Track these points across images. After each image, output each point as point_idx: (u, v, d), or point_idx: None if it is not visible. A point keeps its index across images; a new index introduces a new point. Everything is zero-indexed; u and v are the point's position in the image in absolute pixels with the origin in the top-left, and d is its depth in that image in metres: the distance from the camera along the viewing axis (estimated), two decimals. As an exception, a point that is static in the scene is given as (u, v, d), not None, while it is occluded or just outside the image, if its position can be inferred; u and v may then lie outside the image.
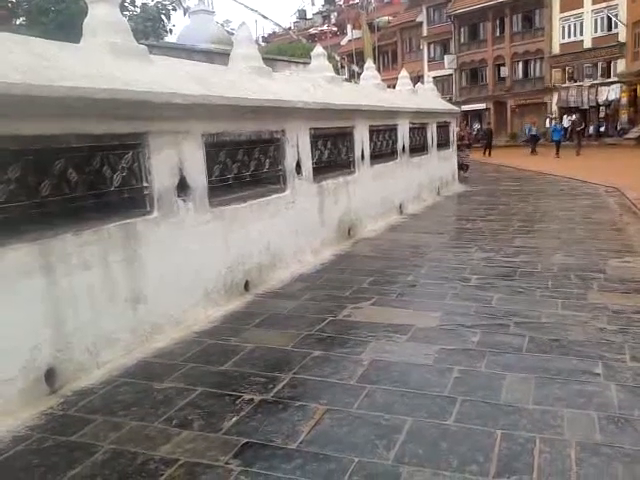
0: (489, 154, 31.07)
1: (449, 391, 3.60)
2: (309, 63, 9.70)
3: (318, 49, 8.76)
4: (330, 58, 9.27)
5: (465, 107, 43.24)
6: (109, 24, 4.76)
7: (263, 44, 51.65)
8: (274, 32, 61.27)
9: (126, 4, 18.10)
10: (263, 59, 7.01)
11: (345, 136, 8.30)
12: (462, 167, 18.18)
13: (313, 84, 7.68)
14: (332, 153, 7.90)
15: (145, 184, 4.57)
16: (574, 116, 39.32)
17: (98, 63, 4.37)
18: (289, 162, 6.62)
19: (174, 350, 4.45)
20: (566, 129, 33.17)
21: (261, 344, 4.48)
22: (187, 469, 2.89)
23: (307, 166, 7.06)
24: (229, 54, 6.81)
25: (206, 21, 15.86)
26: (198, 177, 5.10)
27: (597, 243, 7.81)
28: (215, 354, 4.33)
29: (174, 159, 4.83)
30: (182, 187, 4.90)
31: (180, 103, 4.74)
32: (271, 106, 6.03)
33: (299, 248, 6.85)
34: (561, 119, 40.35)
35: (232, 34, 12.71)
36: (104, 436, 3.22)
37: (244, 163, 5.78)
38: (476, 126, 43.80)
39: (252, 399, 3.58)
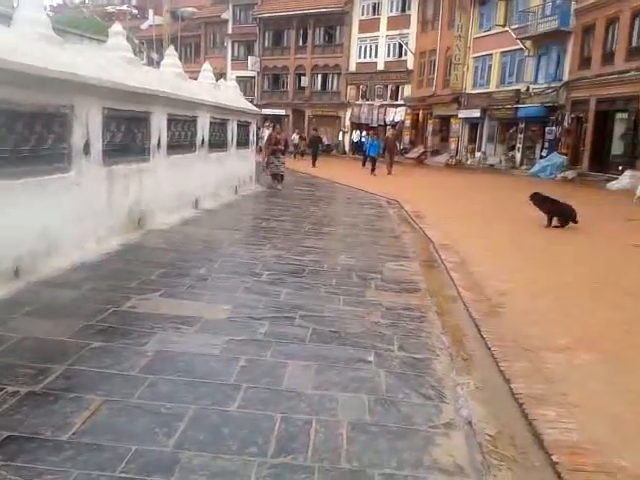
0: (313, 164, 27.46)
1: (234, 379, 3.64)
2: (104, 41, 9.13)
3: (117, 27, 8.26)
4: (128, 40, 8.81)
5: (266, 111, 44.13)
6: None
7: (51, 14, 47.15)
8: (64, 3, 56.13)
9: None
10: (53, 29, 6.42)
11: (141, 121, 7.94)
12: (276, 177, 15.89)
13: (109, 62, 7.23)
14: (126, 137, 7.49)
15: None
16: (364, 132, 42.45)
17: None
18: (76, 141, 6.12)
19: None
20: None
21: (32, 334, 4.07)
22: None
23: (97, 148, 6.60)
24: (10, 17, 6.11)
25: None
26: (-36, 146, 4.48)
27: (377, 248, 8.50)
28: (-26, 344, 3.84)
29: None
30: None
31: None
32: (59, 78, 5.52)
33: (82, 235, 6.36)
34: (351, 134, 43.34)
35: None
36: None
37: (23, 136, 5.20)
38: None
39: (17, 391, 3.23)
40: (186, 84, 10.51)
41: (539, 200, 10.95)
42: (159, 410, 3.18)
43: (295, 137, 36.52)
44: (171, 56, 10.71)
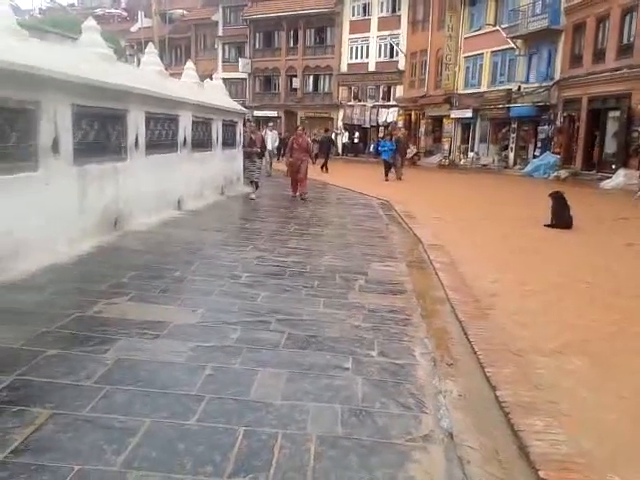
0: (326, 169, 23.98)
1: (198, 389, 3.38)
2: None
3: (90, 22, 7.96)
4: (115, 42, 8.53)
5: (258, 113, 44.04)
6: None
7: (39, 16, 46.73)
8: (52, 6, 55.65)
9: None
10: (32, 29, 6.19)
11: (117, 119, 7.65)
12: (252, 184, 13.41)
13: (81, 58, 6.94)
14: (100, 136, 7.20)
15: None
16: (355, 132, 42.19)
17: None
18: (44, 138, 5.84)
19: None
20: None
21: (-18, 342, 3.81)
22: None
23: (67, 146, 6.32)
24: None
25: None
26: None
27: (363, 248, 8.23)
28: None
29: None
30: None
31: None
32: (21, 71, 5.24)
33: (52, 236, 6.07)
34: (351, 134, 42.95)
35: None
36: None
37: (-19, 133, 4.94)
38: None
39: (-45, 406, 2.96)
40: (167, 82, 10.24)
41: (557, 198, 10.83)
42: (111, 424, 2.92)
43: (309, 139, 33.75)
44: (151, 54, 10.44)
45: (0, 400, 3.06)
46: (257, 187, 13.64)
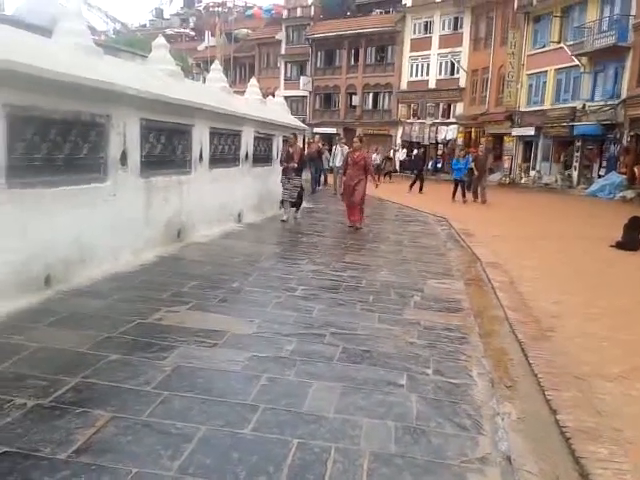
0: (420, 189, 22.45)
1: (253, 399, 3.41)
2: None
3: (160, 40, 8.28)
4: (183, 60, 8.81)
5: (317, 130, 44.41)
6: None
7: (113, 36, 49.22)
8: (125, 28, 58.79)
9: None
10: (106, 48, 6.51)
11: (182, 134, 7.90)
12: (286, 204, 11.68)
13: (149, 74, 7.22)
14: (166, 149, 7.45)
15: None
16: (415, 150, 41.83)
17: None
18: (113, 151, 6.10)
19: (-61, 347, 3.77)
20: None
21: (50, 344, 3.97)
22: None
23: (134, 158, 6.56)
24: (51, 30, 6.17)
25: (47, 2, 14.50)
26: (-5, 153, 4.45)
27: (420, 265, 8.15)
28: (-10, 353, 3.74)
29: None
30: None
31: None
32: (95, 87, 5.49)
33: (117, 246, 6.30)
34: (409, 151, 42.54)
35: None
36: None
37: (57, 144, 5.18)
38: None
39: (24, 404, 3.10)
40: (231, 98, 10.49)
41: (634, 219, 10.53)
42: (168, 430, 2.98)
43: (377, 157, 28.84)
44: (216, 71, 10.76)
45: (65, 401, 3.18)
46: (297, 208, 12.07)
